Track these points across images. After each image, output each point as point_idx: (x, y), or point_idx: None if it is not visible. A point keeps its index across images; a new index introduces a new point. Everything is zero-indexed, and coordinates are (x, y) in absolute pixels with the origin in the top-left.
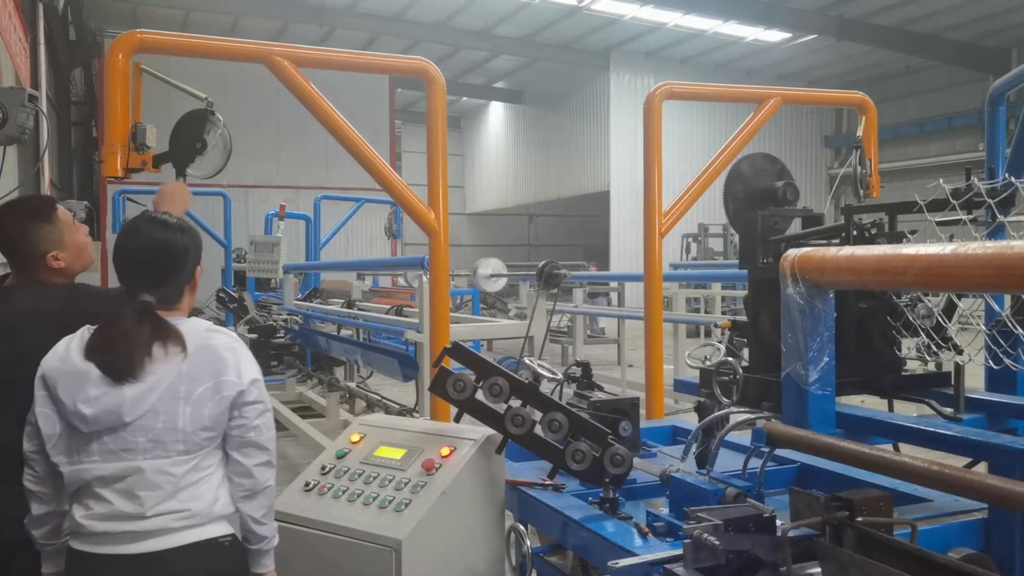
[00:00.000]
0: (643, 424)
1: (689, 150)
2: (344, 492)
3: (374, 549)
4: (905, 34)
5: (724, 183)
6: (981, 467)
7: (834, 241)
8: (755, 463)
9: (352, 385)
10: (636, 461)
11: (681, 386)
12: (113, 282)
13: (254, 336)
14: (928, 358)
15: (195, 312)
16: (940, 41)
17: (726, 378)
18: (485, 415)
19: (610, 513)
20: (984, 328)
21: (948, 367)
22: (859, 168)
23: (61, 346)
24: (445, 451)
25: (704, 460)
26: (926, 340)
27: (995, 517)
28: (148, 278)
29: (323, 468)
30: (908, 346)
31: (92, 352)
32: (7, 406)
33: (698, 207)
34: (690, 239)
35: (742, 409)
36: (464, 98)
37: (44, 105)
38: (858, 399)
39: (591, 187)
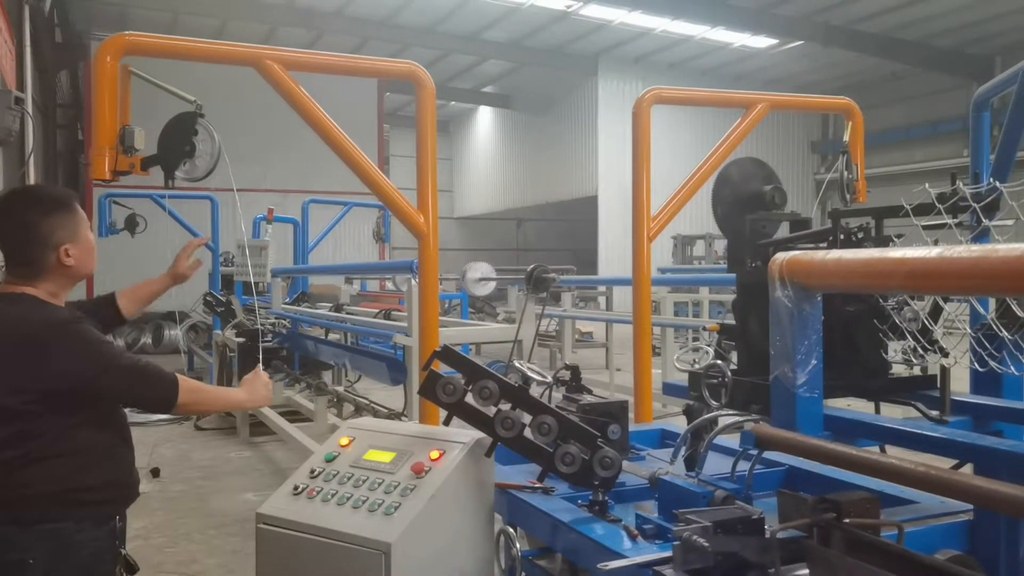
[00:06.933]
0: (632, 427)
1: (677, 155)
2: (333, 495)
3: (364, 552)
4: (890, 41)
5: (712, 187)
6: (967, 469)
7: (821, 245)
8: (743, 466)
9: (340, 389)
10: (625, 464)
11: (669, 390)
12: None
13: (241, 340)
14: (914, 361)
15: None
16: (925, 48)
17: (715, 381)
18: (475, 418)
19: (599, 516)
20: (969, 331)
21: (934, 370)
22: (845, 173)
23: None
24: (434, 454)
25: (693, 463)
26: (912, 343)
27: (980, 519)
28: None
29: (312, 472)
30: (895, 349)
31: None
32: None
33: (681, 216)
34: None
35: (730, 412)
36: (453, 102)
37: (30, 108)
38: (845, 402)
39: (579, 191)
